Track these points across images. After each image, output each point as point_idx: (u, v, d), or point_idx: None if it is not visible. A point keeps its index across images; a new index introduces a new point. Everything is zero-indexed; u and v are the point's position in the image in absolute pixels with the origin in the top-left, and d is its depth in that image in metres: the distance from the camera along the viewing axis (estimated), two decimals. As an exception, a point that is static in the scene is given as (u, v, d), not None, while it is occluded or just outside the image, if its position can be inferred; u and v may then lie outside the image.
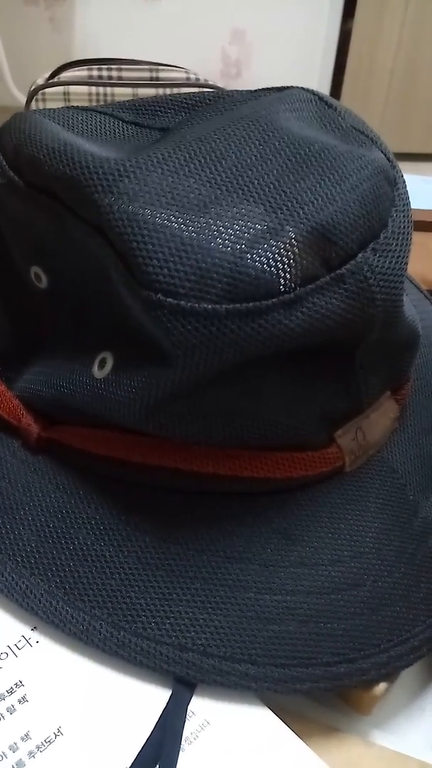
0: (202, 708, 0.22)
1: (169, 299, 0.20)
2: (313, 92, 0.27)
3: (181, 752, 0.20)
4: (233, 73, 1.35)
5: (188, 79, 0.63)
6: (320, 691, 0.22)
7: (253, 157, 0.23)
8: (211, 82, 0.64)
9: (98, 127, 0.27)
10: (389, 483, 0.27)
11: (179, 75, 0.63)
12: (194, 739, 0.21)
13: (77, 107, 0.28)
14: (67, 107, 0.28)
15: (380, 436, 0.28)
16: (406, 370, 0.28)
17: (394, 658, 0.23)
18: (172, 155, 0.22)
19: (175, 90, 0.62)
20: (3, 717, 0.21)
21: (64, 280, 0.25)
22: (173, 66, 0.63)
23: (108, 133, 0.27)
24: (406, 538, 0.25)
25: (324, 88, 1.44)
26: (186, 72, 0.63)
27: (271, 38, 1.33)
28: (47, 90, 0.60)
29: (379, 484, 0.27)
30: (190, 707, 0.21)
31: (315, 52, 1.39)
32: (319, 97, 0.27)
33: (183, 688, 0.22)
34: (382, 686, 0.23)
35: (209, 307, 0.20)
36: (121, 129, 0.27)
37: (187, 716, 0.21)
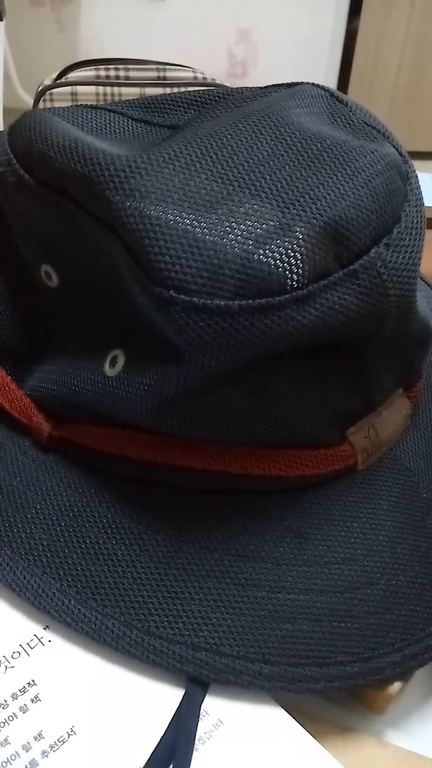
0: (215, 708, 0.21)
1: (182, 296, 0.20)
2: (323, 88, 0.27)
3: (194, 752, 0.20)
4: (239, 73, 1.35)
5: (195, 78, 0.63)
6: (334, 690, 0.22)
7: (265, 153, 0.22)
8: (218, 82, 0.64)
9: (107, 125, 0.27)
10: (402, 481, 0.27)
11: (186, 74, 0.63)
12: (208, 739, 0.21)
13: (86, 105, 0.28)
14: (76, 105, 0.28)
15: (393, 433, 0.27)
16: (418, 367, 0.28)
17: (408, 657, 0.22)
18: (183, 152, 0.22)
19: (183, 90, 0.61)
20: (16, 716, 0.21)
21: (74, 279, 0.25)
22: (180, 65, 0.63)
23: (117, 130, 0.27)
24: (420, 536, 0.25)
25: (330, 86, 1.43)
26: (193, 71, 0.63)
27: (277, 37, 1.33)
28: (54, 90, 0.60)
29: (392, 482, 0.27)
30: (203, 707, 0.21)
31: (321, 50, 1.38)
32: (329, 93, 0.27)
33: (196, 688, 0.22)
34: (396, 686, 0.23)
35: (222, 303, 0.20)
36: (130, 127, 0.27)
37: (201, 716, 0.21)
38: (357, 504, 0.26)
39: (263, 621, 0.22)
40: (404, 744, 0.22)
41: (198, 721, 0.21)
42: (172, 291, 0.20)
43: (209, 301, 0.20)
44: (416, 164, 0.26)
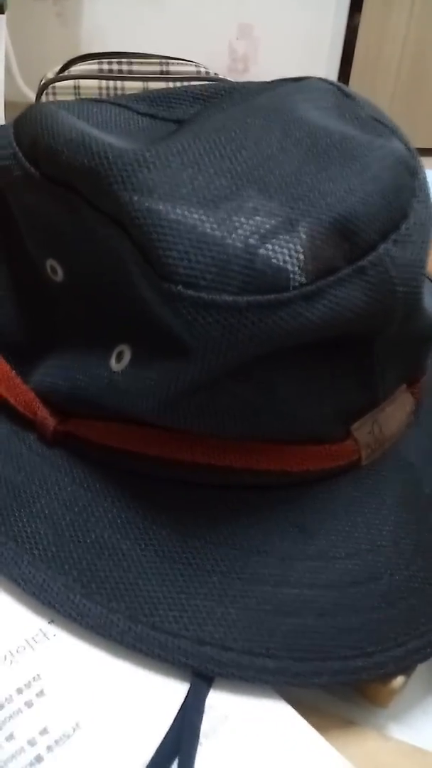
0: (220, 702, 0.21)
1: (190, 291, 0.20)
2: (330, 82, 0.27)
3: (199, 746, 0.20)
4: (240, 68, 1.35)
5: (198, 73, 0.62)
6: (338, 684, 0.22)
7: (273, 148, 0.22)
8: (221, 77, 0.64)
9: (113, 119, 0.27)
10: (405, 476, 0.27)
11: (189, 69, 0.62)
12: (212, 733, 0.21)
13: (91, 99, 0.28)
14: (81, 99, 0.28)
15: (396, 429, 0.27)
16: (422, 364, 0.28)
17: (411, 651, 0.23)
18: (191, 147, 0.22)
19: (187, 84, 0.61)
20: (21, 711, 0.21)
21: (80, 273, 0.25)
22: (184, 60, 0.63)
23: (123, 124, 0.27)
24: (423, 531, 0.25)
25: (333, 82, 1.43)
26: (196, 66, 0.63)
27: (278, 33, 1.33)
28: (57, 84, 0.60)
29: (395, 478, 0.27)
30: (208, 701, 0.21)
31: (322, 46, 1.38)
32: (336, 87, 0.27)
33: (201, 682, 0.22)
34: (399, 680, 0.23)
35: (229, 299, 0.20)
36: (135, 121, 0.27)
37: (205, 710, 0.21)
38: (361, 499, 0.26)
39: (268, 615, 0.23)
40: (407, 738, 0.23)
41: (203, 715, 0.21)
42: (179, 286, 0.20)
43: (217, 297, 0.20)
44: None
